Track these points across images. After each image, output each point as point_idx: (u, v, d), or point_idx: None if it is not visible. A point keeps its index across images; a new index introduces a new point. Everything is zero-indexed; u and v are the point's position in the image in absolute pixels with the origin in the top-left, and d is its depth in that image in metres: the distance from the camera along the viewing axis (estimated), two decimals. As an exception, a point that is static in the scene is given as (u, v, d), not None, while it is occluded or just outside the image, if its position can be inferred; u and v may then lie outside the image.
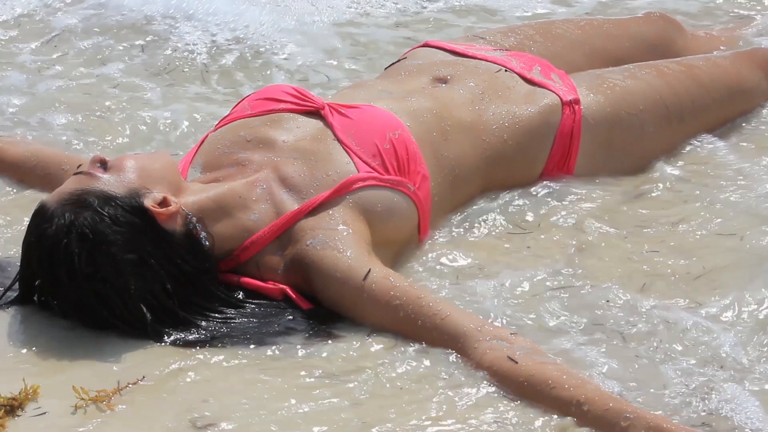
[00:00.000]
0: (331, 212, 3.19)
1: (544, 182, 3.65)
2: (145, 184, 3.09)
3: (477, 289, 3.19)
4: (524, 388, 2.80)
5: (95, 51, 4.84)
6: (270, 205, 3.20)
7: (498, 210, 3.56)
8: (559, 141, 3.65)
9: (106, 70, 4.68)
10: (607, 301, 3.14)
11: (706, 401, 2.78)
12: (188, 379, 2.86)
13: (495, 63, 3.73)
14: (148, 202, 3.05)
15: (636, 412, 2.68)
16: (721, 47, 4.38)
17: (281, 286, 3.13)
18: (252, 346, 2.98)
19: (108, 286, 2.98)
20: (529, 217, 3.56)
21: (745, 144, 3.92)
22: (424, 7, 5.22)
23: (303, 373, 2.88)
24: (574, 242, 3.42)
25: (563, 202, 3.60)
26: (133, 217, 3.03)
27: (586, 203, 3.61)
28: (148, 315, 2.99)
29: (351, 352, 2.97)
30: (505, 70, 3.70)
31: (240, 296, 3.12)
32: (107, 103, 4.35)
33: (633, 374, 2.87)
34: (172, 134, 4.18)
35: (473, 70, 3.68)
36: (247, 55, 4.82)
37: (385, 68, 3.91)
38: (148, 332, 3.00)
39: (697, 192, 3.66)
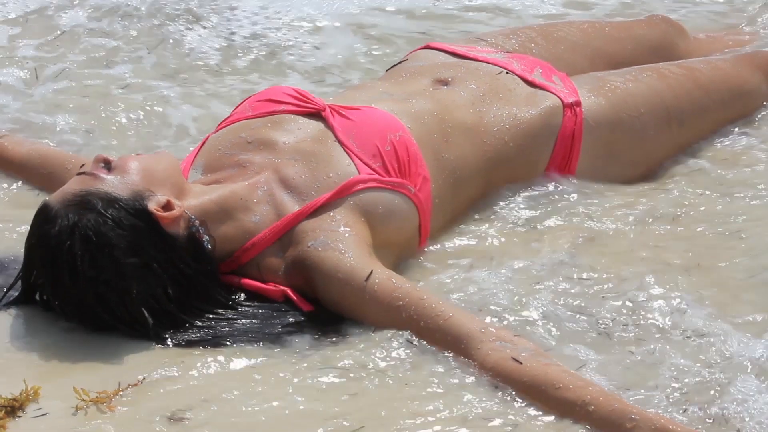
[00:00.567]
0: (332, 214, 3.18)
1: (549, 179, 3.65)
2: (148, 186, 3.08)
3: (480, 279, 3.21)
4: (528, 389, 2.80)
5: (103, 49, 4.81)
6: (271, 206, 3.20)
7: (503, 206, 3.57)
8: (561, 143, 3.65)
9: (115, 70, 4.65)
10: (609, 297, 3.15)
11: (706, 403, 2.77)
12: (189, 380, 2.85)
13: (496, 65, 3.72)
14: (152, 206, 3.05)
15: (641, 413, 2.69)
16: (725, 50, 4.38)
17: (282, 287, 3.12)
18: (254, 346, 2.98)
19: (110, 289, 2.98)
20: (533, 212, 3.56)
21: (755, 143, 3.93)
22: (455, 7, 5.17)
23: (307, 372, 2.89)
24: (579, 240, 3.42)
25: (568, 199, 3.60)
26: (137, 220, 3.02)
27: (590, 200, 3.60)
28: (150, 319, 2.98)
29: (355, 351, 2.97)
30: (507, 72, 3.70)
31: (241, 298, 3.12)
32: (118, 103, 4.34)
33: (628, 374, 2.88)
34: (182, 135, 4.16)
35: (474, 72, 3.67)
36: (262, 54, 4.79)
37: (387, 70, 3.91)
38: (150, 335, 2.99)
39: (700, 191, 3.67)
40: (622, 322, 3.07)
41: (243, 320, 3.05)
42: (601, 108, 3.71)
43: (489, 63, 3.74)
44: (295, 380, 2.86)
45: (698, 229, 3.49)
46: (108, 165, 3.10)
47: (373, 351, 2.97)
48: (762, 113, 4.04)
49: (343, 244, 3.11)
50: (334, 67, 4.72)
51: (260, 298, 3.13)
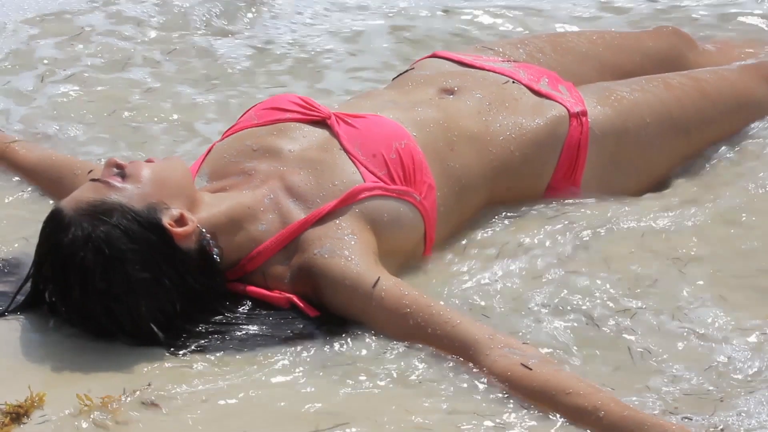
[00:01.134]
0: (338, 222, 3.18)
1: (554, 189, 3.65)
2: (162, 198, 3.07)
3: (484, 285, 3.23)
4: (538, 395, 2.79)
5: (119, 52, 4.79)
6: (277, 215, 3.20)
7: (506, 213, 3.57)
8: (566, 152, 3.64)
9: (133, 73, 4.64)
10: (610, 299, 3.16)
11: (706, 412, 2.78)
12: (195, 386, 2.85)
13: (502, 74, 3.72)
14: (166, 220, 3.05)
15: (652, 420, 2.69)
16: (734, 62, 4.37)
17: (288, 294, 3.12)
18: (263, 352, 2.98)
19: (119, 303, 2.98)
20: (534, 217, 3.56)
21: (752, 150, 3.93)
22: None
23: (320, 374, 2.90)
24: (579, 241, 3.42)
25: (571, 205, 3.60)
26: (150, 234, 3.02)
27: (593, 207, 3.60)
28: (160, 333, 2.98)
29: (365, 352, 2.99)
30: (513, 82, 3.69)
31: (247, 306, 3.11)
32: (132, 108, 4.35)
33: (623, 376, 2.90)
34: (204, 141, 4.15)
35: (480, 81, 3.67)
36: (293, 59, 4.78)
37: (393, 79, 3.91)
38: (155, 344, 2.99)
39: (703, 195, 3.67)
40: (623, 324, 3.07)
41: (251, 326, 3.05)
42: (607, 118, 3.70)
43: (495, 72, 3.73)
44: (308, 382, 2.88)
45: (700, 234, 3.49)
46: (121, 171, 3.10)
47: (385, 350, 2.98)
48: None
49: (349, 252, 3.11)
50: (372, 71, 4.69)
51: (266, 305, 3.12)
